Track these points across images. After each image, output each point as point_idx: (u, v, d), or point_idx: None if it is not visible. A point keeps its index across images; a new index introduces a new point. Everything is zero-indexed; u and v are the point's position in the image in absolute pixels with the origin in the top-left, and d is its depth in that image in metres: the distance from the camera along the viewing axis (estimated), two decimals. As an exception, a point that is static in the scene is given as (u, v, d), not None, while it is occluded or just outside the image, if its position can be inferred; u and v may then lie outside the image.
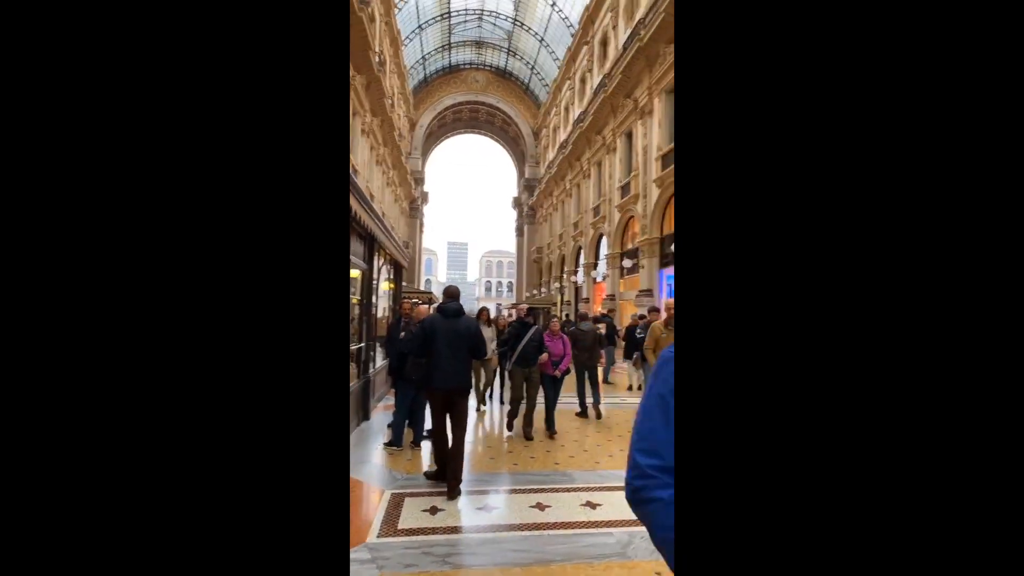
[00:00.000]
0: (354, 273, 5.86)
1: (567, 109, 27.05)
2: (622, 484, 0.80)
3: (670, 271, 15.36)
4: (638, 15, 17.16)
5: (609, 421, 6.15)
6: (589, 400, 6.26)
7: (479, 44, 32.38)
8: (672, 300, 12.59)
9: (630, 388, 8.37)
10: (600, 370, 8.95)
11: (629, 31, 17.66)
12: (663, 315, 5.87)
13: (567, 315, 16.25)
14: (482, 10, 28.94)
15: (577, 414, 6.24)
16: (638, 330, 7.24)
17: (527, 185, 36.63)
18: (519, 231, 39.73)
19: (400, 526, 3.00)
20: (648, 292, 15.66)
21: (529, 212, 36.93)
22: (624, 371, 9.59)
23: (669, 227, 15.31)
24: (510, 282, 70.67)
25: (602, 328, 8.84)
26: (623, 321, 16.83)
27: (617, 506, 3.22)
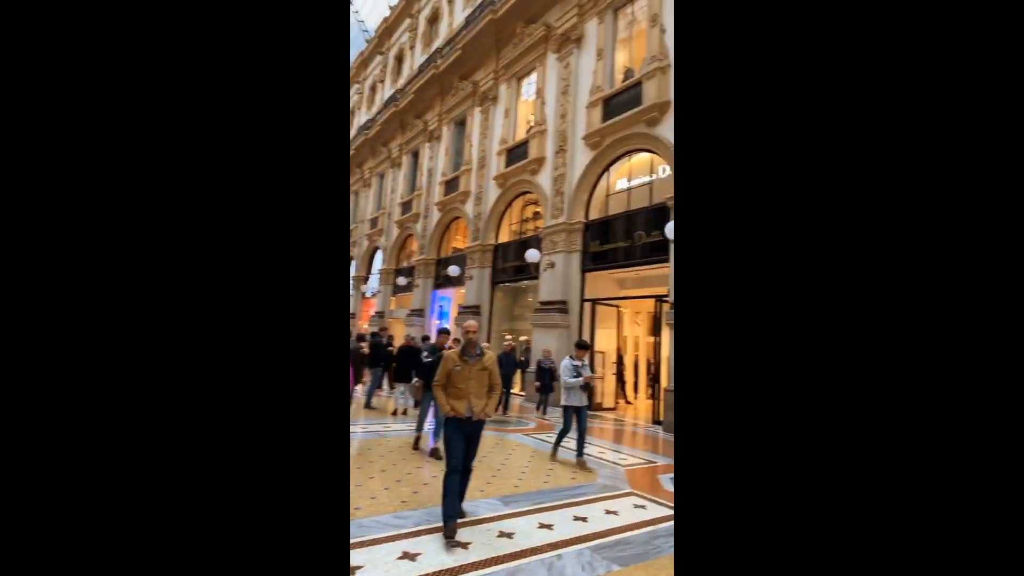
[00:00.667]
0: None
1: (374, 88, 25.13)
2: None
3: (444, 292, 15.83)
4: (435, 44, 17.62)
5: (370, 454, 4.92)
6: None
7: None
8: (457, 324, 13.01)
9: (395, 413, 7.88)
10: (359, 390, 8.41)
11: (426, 56, 17.98)
12: (451, 340, 5.41)
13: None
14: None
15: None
16: (424, 353, 6.92)
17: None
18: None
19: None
20: (420, 312, 15.76)
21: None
22: (385, 394, 9.19)
23: (446, 250, 15.84)
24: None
25: (364, 348, 8.51)
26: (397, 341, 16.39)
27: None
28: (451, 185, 15.09)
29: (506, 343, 9.34)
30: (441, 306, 16.08)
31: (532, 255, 10.18)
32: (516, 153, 12.32)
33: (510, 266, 12.48)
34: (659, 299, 9.30)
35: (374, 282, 20.14)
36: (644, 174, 9.41)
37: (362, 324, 20.93)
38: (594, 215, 10.11)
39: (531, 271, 11.53)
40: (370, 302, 20.77)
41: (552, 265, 10.21)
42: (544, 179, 11.14)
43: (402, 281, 17.02)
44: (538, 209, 12.30)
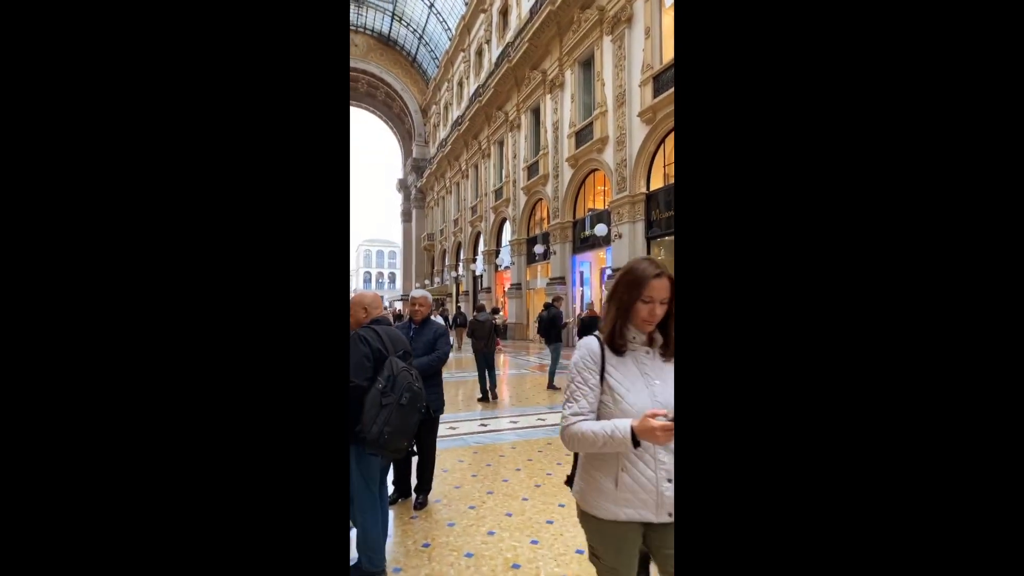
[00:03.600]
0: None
1: (460, 84, 25.05)
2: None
3: (584, 256, 14.41)
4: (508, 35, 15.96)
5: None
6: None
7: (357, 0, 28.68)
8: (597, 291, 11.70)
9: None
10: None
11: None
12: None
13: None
14: (361, -38, 25.56)
15: (479, 400, 6.26)
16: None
17: (415, 166, 33.87)
18: (406, 216, 36.84)
19: None
20: (561, 280, 14.57)
21: (418, 195, 34.26)
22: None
23: (582, 210, 14.32)
24: (392, 272, 66.62)
25: (497, 319, 9.44)
26: (532, 311, 15.72)
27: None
28: (583, 135, 13.42)
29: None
30: (582, 272, 14.71)
31: (600, 229, 8.31)
32: (665, 79, 10.24)
33: (668, 216, 10.60)
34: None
35: (505, 255, 19.41)
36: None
37: (499, 296, 20.51)
38: (655, 186, 7.84)
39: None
40: (503, 275, 20.18)
41: (619, 235, 8.25)
42: (608, 156, 9.00)
43: (539, 249, 15.93)
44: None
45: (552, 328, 6.98)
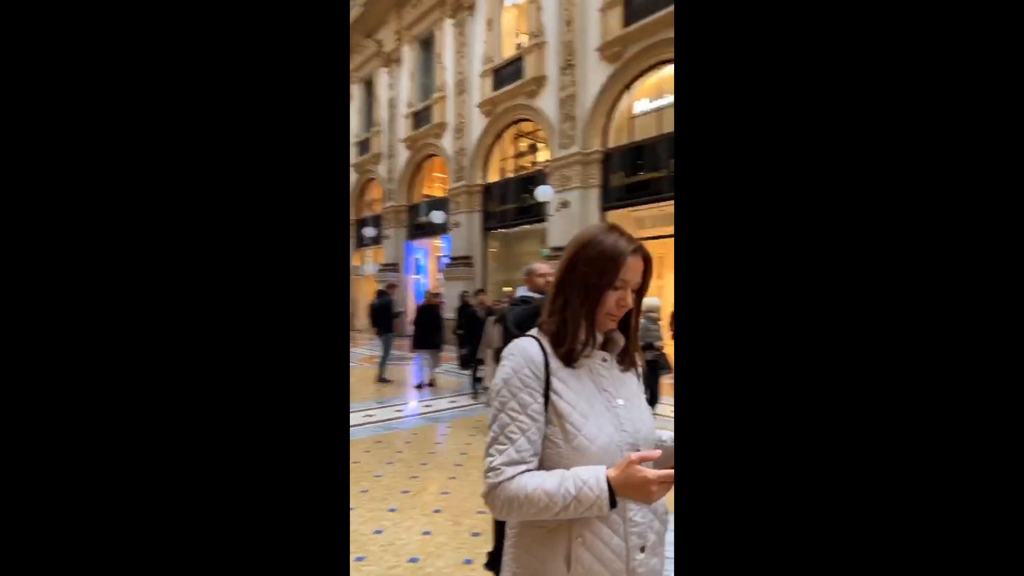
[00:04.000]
0: None
1: None
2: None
3: (420, 243, 14.05)
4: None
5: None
6: None
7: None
8: (447, 278, 11.59)
9: (419, 387, 6.63)
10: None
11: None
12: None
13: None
14: None
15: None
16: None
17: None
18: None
19: None
20: (394, 266, 13.98)
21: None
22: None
23: (419, 195, 13.92)
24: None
25: None
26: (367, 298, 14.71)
27: None
28: (421, 117, 12.99)
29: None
30: (417, 259, 14.34)
31: (544, 192, 8.66)
32: (506, 73, 10.45)
33: (506, 208, 10.91)
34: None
35: (332, 236, 17.87)
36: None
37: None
38: (614, 143, 8.66)
39: (534, 213, 10.06)
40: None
41: (566, 204, 8.79)
42: (547, 103, 9.47)
43: (370, 232, 15.00)
44: (536, 140, 10.67)
45: (384, 317, 6.53)
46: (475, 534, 2.37)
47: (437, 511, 2.60)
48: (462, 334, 5.77)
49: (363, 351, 10.04)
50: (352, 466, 3.20)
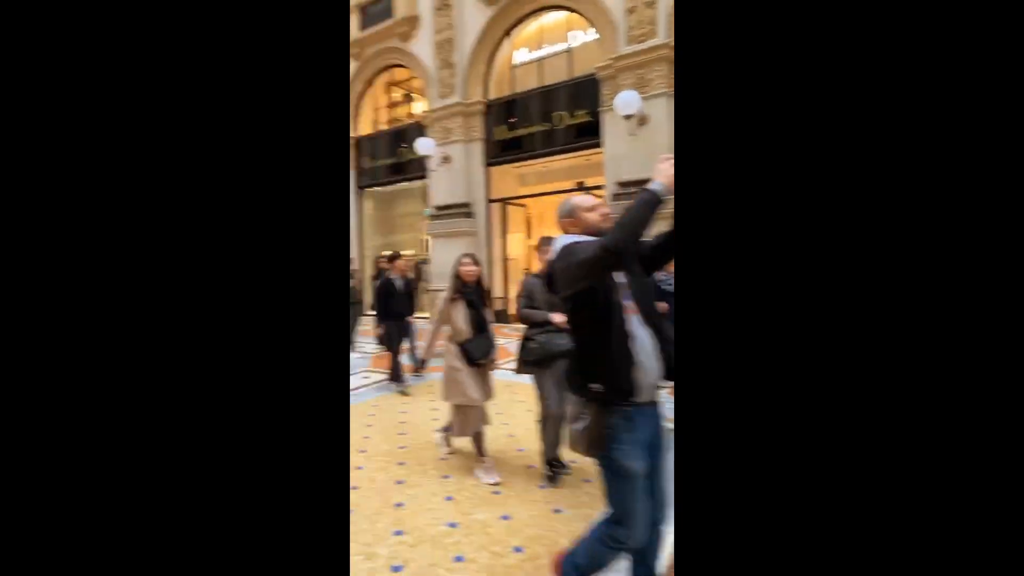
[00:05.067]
0: None
1: None
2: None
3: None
4: None
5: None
6: None
7: None
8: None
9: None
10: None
11: None
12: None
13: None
14: None
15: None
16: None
17: None
18: None
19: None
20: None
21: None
22: None
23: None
24: None
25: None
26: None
27: None
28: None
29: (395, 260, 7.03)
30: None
31: (425, 145, 8.01)
32: (374, 11, 9.28)
33: (381, 165, 10.00)
34: (587, 191, 8.28)
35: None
36: (559, 40, 7.73)
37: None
38: (495, 94, 8.23)
39: (413, 168, 9.35)
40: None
41: (448, 159, 8.25)
42: (421, 47, 8.64)
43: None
44: (411, 91, 9.80)
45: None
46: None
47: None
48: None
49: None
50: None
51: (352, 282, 5.85)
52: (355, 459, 2.91)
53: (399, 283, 4.60)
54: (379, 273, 6.17)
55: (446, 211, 8.37)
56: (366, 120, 10.30)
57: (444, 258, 8.31)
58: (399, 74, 9.78)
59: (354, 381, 4.82)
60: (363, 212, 10.47)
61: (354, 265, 6.15)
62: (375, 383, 4.72)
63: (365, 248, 10.46)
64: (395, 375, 4.53)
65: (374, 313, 4.72)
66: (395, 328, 4.47)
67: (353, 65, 9.74)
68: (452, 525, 2.21)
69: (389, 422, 3.57)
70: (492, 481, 2.58)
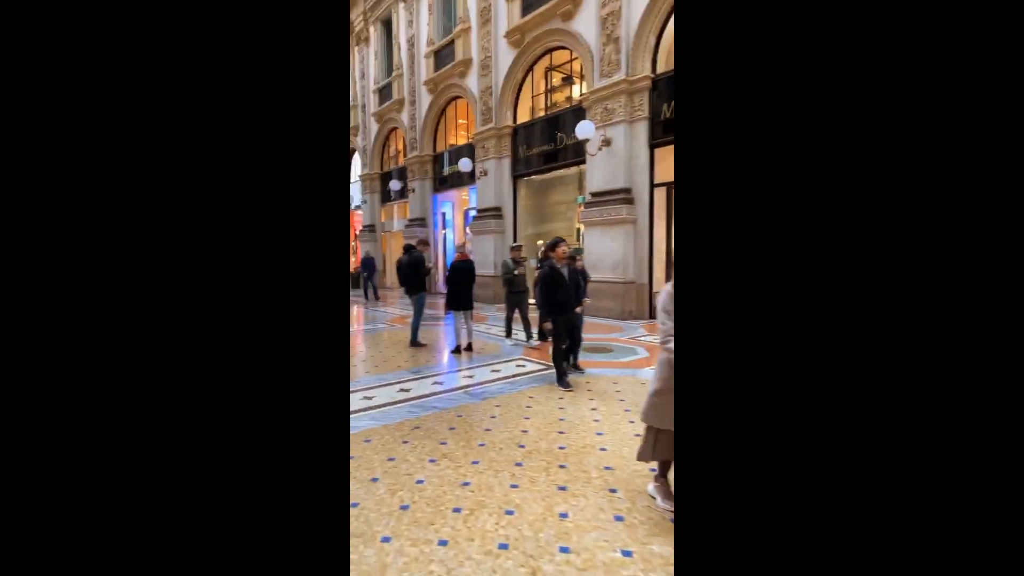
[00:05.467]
0: None
1: None
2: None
3: (446, 196, 13.26)
4: None
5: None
6: None
7: None
8: (472, 231, 10.76)
9: (457, 351, 6.03)
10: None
11: None
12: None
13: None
14: None
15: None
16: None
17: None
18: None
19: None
20: (421, 221, 13.30)
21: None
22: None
23: (443, 143, 12.99)
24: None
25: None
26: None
27: None
28: (443, 55, 11.86)
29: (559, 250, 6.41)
30: (444, 213, 13.60)
31: (585, 129, 7.66)
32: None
33: (538, 152, 9.94)
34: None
35: (356, 191, 17.22)
36: None
37: (351, 241, 18.37)
38: (664, 68, 7.50)
39: (570, 155, 9.08)
40: (355, 216, 18.02)
41: (608, 142, 7.79)
42: (585, 24, 8.28)
43: (395, 186, 14.26)
44: (571, 74, 9.51)
45: (414, 276, 5.91)
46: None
47: (503, 546, 1.92)
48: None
49: (394, 310, 9.56)
50: (388, 466, 2.63)
51: (518, 270, 5.81)
52: (513, 453, 2.72)
53: (563, 271, 4.21)
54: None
55: (603, 197, 7.94)
56: (523, 108, 10.33)
57: (598, 248, 7.92)
58: (558, 57, 9.56)
59: (508, 369, 4.74)
60: (517, 201, 10.57)
61: (519, 253, 6.05)
62: (529, 373, 4.56)
63: (519, 238, 10.57)
64: (560, 376, 4.05)
65: (533, 303, 4.53)
66: (563, 324, 4.04)
67: (512, 53, 9.80)
68: (626, 554, 1.85)
69: (547, 418, 3.34)
70: (670, 508, 2.16)
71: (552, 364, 4.23)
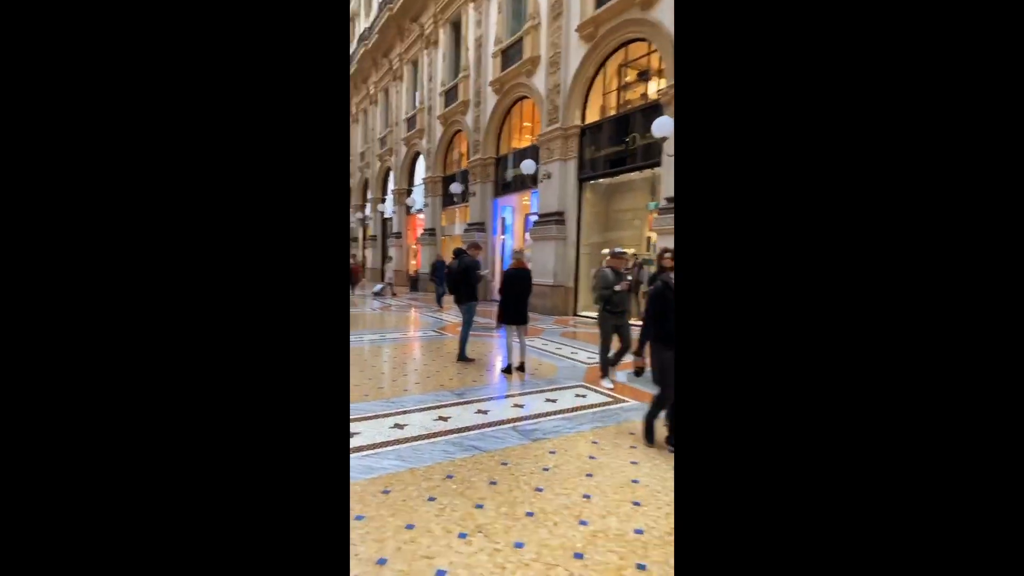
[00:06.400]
0: None
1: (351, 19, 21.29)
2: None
3: (506, 200, 12.75)
4: None
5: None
6: None
7: None
8: (533, 236, 10.09)
9: (508, 371, 5.45)
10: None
11: None
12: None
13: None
14: None
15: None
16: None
17: (317, 89, 29.35)
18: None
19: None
20: (480, 225, 12.87)
21: (320, 124, 29.98)
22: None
23: (506, 146, 12.51)
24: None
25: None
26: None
27: None
28: (511, 54, 11.39)
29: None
30: (504, 218, 13.09)
31: (663, 127, 6.83)
32: (612, -16, 8.46)
33: (607, 153, 9.17)
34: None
35: (419, 195, 17.16)
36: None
37: (411, 244, 18.36)
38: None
39: (642, 157, 8.25)
40: (417, 219, 17.98)
41: None
42: (666, 12, 7.47)
43: (456, 188, 13.96)
44: (646, 69, 8.68)
45: (465, 283, 5.34)
46: None
47: None
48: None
49: (449, 317, 9.09)
50: (404, 539, 2.01)
51: (621, 285, 4.34)
52: (570, 534, 2.01)
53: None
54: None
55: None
56: (593, 107, 9.61)
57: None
58: (633, 51, 8.77)
59: (566, 399, 4.02)
60: (582, 206, 9.84)
61: (623, 262, 4.56)
62: (592, 407, 3.82)
63: (583, 245, 9.81)
64: (648, 431, 3.04)
65: (637, 326, 3.48)
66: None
67: (583, 48, 9.13)
68: None
69: (617, 478, 2.59)
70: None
71: (646, 414, 3.09)
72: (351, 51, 22.90)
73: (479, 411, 3.61)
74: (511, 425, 3.33)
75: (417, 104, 16.74)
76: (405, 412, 3.54)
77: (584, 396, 4.07)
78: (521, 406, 3.78)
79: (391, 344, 6.43)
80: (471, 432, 3.16)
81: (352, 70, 21.94)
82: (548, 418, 3.49)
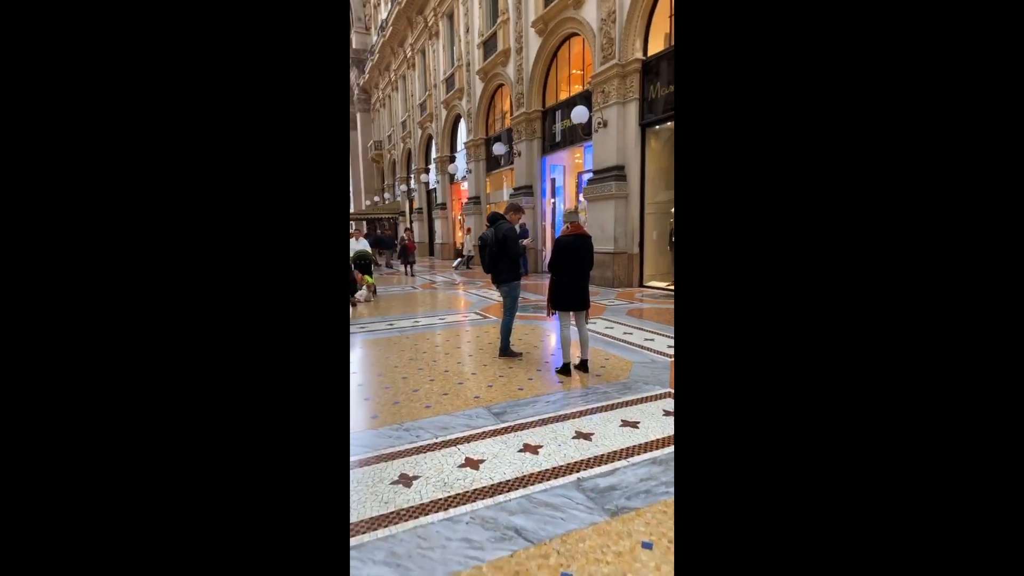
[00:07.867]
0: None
1: None
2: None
3: (556, 159, 11.31)
4: None
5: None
6: None
7: None
8: (587, 197, 8.66)
9: (566, 370, 4.28)
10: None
11: None
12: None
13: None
14: None
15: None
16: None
17: (355, 59, 28.57)
18: (350, 123, 31.89)
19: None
20: (527, 189, 11.56)
21: (361, 96, 29.31)
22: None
23: (554, 96, 10.98)
24: (350, 190, 61.13)
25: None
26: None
27: None
28: (554, -15, 9.75)
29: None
30: (554, 179, 11.68)
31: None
32: None
33: (669, 93, 7.53)
34: None
35: (461, 161, 15.99)
36: None
37: (456, 215, 17.36)
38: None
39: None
40: (460, 188, 16.88)
41: None
42: None
43: (499, 149, 12.65)
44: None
45: (503, 257, 4.11)
46: None
47: None
48: None
49: (493, 294, 7.99)
50: None
51: None
52: None
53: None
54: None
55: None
56: (657, 35, 7.92)
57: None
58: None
59: (651, 420, 2.81)
60: (646, 157, 8.29)
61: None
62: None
63: (648, 204, 8.32)
64: None
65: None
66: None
67: (539, 40, 7.41)
68: None
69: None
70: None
71: None
72: (387, 16, 21.65)
73: (525, 446, 2.48)
74: (574, 477, 2.17)
75: (455, 62, 15.37)
76: (419, 450, 2.47)
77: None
78: (588, 436, 2.60)
79: (415, 332, 5.42)
80: (512, 494, 2.04)
81: (387, 33, 20.75)
82: (630, 461, 2.30)
